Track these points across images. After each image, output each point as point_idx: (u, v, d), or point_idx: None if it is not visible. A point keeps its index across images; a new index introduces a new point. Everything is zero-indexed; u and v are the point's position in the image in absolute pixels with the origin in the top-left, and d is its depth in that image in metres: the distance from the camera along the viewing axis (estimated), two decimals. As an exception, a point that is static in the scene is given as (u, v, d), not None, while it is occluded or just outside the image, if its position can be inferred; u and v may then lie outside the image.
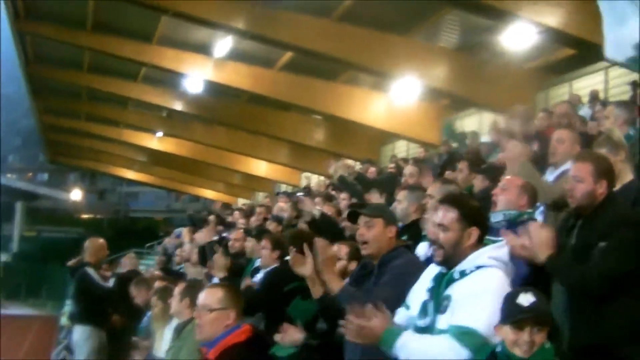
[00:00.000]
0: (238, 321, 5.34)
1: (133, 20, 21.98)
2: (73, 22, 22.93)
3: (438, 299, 4.30)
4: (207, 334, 5.29)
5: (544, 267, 4.85)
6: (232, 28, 19.37)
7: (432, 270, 4.54)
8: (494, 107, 19.36)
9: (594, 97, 15.25)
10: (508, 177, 6.08)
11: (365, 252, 5.52)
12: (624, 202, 5.48)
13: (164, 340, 7.66)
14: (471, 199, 4.66)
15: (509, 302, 3.93)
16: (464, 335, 4.00)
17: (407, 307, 4.62)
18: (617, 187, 5.93)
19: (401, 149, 26.76)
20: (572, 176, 5.15)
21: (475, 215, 4.44)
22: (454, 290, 4.23)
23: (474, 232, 4.37)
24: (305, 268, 5.57)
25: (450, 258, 4.36)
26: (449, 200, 4.56)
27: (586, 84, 17.88)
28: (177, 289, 7.45)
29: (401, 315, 4.65)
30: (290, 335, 6.03)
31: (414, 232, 6.21)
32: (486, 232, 4.50)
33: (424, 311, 4.36)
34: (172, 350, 7.09)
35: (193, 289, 6.95)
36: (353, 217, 5.70)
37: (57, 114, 37.61)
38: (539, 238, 4.92)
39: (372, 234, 5.46)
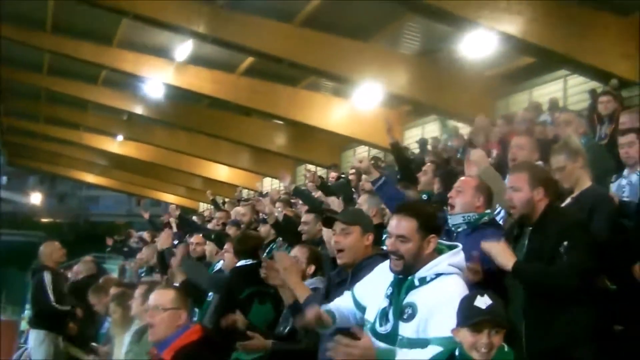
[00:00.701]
0: (188, 321, 5.32)
1: (93, 23, 21.76)
2: (32, 23, 22.67)
3: (398, 306, 4.29)
4: (160, 334, 5.30)
5: (513, 273, 4.89)
6: (193, 32, 19.23)
7: (386, 272, 4.52)
8: (455, 113, 19.49)
9: (553, 104, 15.37)
10: (462, 178, 6.11)
11: (340, 261, 5.36)
12: (567, 209, 5.60)
13: (123, 345, 7.56)
14: (427, 206, 4.67)
15: (467, 305, 3.94)
16: (451, 345, 3.99)
17: (356, 302, 4.65)
18: (576, 193, 6.02)
19: (362, 155, 26.78)
20: (509, 187, 5.24)
21: (432, 223, 4.46)
22: (417, 299, 4.25)
23: (433, 240, 4.39)
24: (276, 278, 5.56)
25: (411, 267, 4.35)
26: (406, 210, 4.53)
27: (546, 91, 18.02)
28: (138, 291, 7.41)
29: (346, 300, 4.70)
30: (256, 344, 5.99)
31: (376, 237, 6.17)
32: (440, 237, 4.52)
33: (384, 318, 4.35)
34: (132, 354, 7.01)
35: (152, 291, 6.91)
36: (329, 222, 5.60)
37: (16, 116, 37.24)
38: (498, 250, 4.97)
39: (349, 242, 5.31)
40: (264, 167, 31.85)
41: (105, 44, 22.98)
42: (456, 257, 4.40)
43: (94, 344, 9.15)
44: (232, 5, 18.43)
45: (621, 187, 6.99)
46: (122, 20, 20.65)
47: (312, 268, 6.51)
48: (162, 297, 5.36)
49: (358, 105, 22.30)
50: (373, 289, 4.59)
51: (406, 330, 4.21)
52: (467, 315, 3.87)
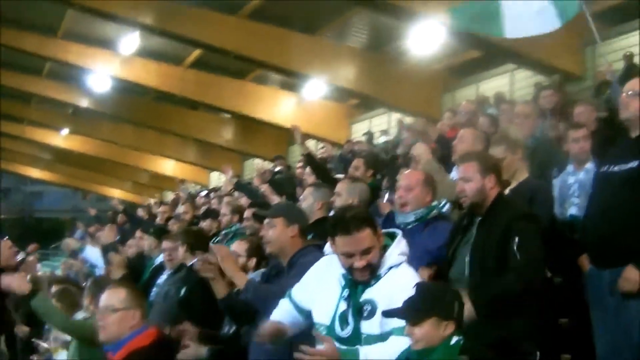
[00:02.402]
0: (143, 322, 5.18)
1: (37, 13, 21.47)
2: (-26, 14, 22.33)
3: (357, 306, 4.26)
4: (111, 335, 5.09)
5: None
6: (139, 23, 19.10)
7: (327, 272, 4.50)
8: (402, 107, 19.55)
9: (499, 98, 15.47)
10: (406, 173, 6.09)
11: (268, 250, 5.56)
12: (516, 200, 5.59)
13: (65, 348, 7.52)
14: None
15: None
16: None
17: (297, 308, 4.61)
18: (513, 184, 6.05)
19: (310, 148, 26.78)
20: (460, 178, 5.23)
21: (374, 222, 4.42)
22: (374, 294, 4.22)
23: (381, 238, 4.35)
24: (210, 270, 5.50)
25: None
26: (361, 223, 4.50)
27: (492, 85, 18.15)
28: (88, 284, 7.46)
29: (284, 310, 4.66)
30: (192, 351, 5.94)
31: (320, 230, 6.15)
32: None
33: (343, 321, 4.31)
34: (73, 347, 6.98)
35: (98, 285, 6.85)
36: (259, 218, 5.70)
37: (-43, 109, 36.66)
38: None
39: (273, 234, 5.45)
40: (210, 161, 31.73)
41: (50, 36, 22.69)
42: (400, 244, 4.39)
43: (34, 340, 9.06)
44: (178, -3, 18.33)
45: (568, 185, 7.00)
46: (67, 11, 20.40)
47: (253, 261, 6.61)
48: (112, 297, 5.17)
49: (305, 98, 22.30)
50: (316, 289, 4.55)
51: (369, 327, 4.19)
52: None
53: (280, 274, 5.48)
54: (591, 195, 5.48)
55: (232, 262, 5.57)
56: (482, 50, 17.01)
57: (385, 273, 4.27)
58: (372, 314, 4.18)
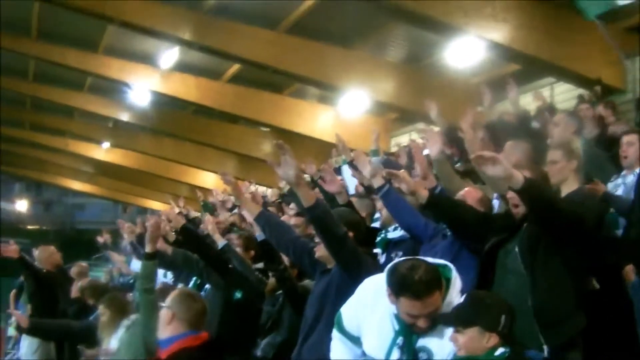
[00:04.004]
0: (184, 326, 5.28)
1: (79, 29, 21.68)
2: (18, 29, 22.57)
3: (411, 353, 4.22)
4: (160, 331, 5.31)
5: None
6: (178, 39, 19.21)
7: (385, 307, 4.41)
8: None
9: (540, 111, 15.32)
10: (467, 189, 6.04)
11: (317, 255, 5.77)
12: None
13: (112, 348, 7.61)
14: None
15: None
16: None
17: (350, 338, 4.57)
18: (563, 193, 5.96)
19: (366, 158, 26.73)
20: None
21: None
22: (431, 342, 4.18)
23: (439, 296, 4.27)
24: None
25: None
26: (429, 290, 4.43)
27: (532, 99, 17.98)
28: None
29: (343, 350, 4.61)
30: None
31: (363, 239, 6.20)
32: None
33: None
34: (119, 342, 7.24)
35: (162, 292, 7.00)
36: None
37: (1, 124, 37.01)
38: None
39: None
40: (250, 174, 31.78)
41: (91, 51, 22.89)
42: (457, 284, 4.33)
43: (81, 347, 9.16)
44: (217, 12, 18.37)
45: (616, 186, 7.01)
46: (107, 27, 20.57)
47: (251, 253, 7.23)
48: (170, 295, 5.43)
49: (343, 112, 22.28)
50: (367, 319, 4.50)
51: None
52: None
53: (327, 272, 5.71)
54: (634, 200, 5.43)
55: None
56: (521, 63, 16.88)
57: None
58: None
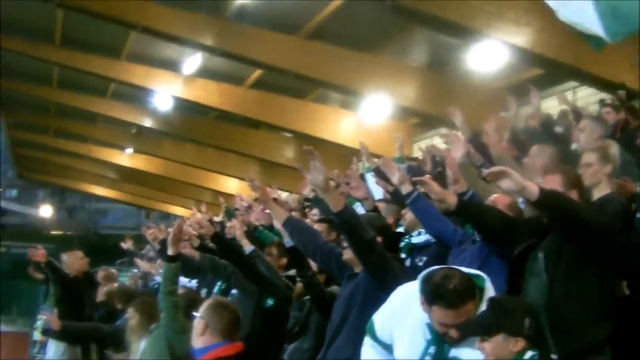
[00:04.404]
0: (217, 336, 5.30)
1: (102, 36, 21.82)
2: (41, 36, 22.76)
3: None
4: (194, 340, 5.36)
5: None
6: (201, 45, 19.28)
7: (418, 316, 4.41)
8: (463, 125, 19.34)
9: (563, 115, 15.27)
10: (496, 196, 6.01)
11: (345, 257, 5.88)
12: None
13: (139, 352, 7.65)
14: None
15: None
16: None
17: (383, 345, 4.57)
18: (596, 197, 5.94)
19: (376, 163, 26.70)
20: None
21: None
22: (462, 354, 4.20)
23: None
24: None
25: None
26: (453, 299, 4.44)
27: (554, 103, 17.90)
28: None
29: (374, 355, 4.62)
30: None
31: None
32: None
33: None
34: (146, 345, 7.35)
35: (185, 297, 7.05)
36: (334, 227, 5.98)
37: (26, 130, 37.36)
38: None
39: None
40: (272, 179, 31.82)
41: (114, 57, 23.04)
42: (488, 293, 4.34)
43: (108, 353, 9.23)
44: (239, 18, 18.42)
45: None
46: (130, 33, 20.68)
47: (284, 260, 7.44)
48: (203, 304, 5.48)
49: (366, 117, 22.27)
50: (400, 325, 4.52)
51: None
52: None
53: (354, 276, 5.79)
54: None
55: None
56: (544, 67, 16.82)
57: None
58: None
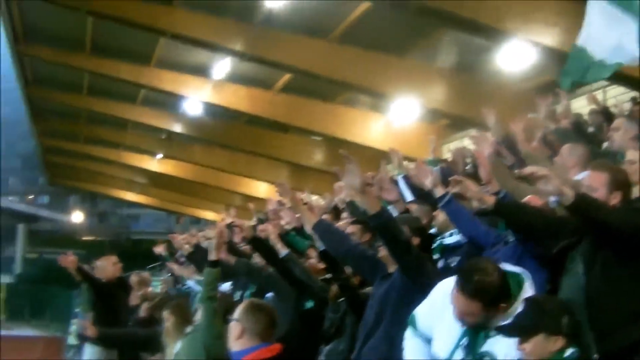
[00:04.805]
0: (254, 339, 5.31)
1: (131, 43, 22.00)
2: (72, 44, 22.97)
3: (475, 356, 4.26)
4: (230, 344, 5.36)
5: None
6: (230, 50, 19.39)
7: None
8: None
9: (594, 114, 15.19)
10: (529, 197, 6.01)
11: (380, 254, 5.89)
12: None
13: (174, 354, 7.73)
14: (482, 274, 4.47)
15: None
16: None
17: (423, 337, 4.60)
18: (635, 195, 5.88)
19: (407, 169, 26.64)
20: (586, 185, 5.08)
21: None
22: (495, 347, 4.20)
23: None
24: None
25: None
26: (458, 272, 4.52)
27: (584, 103, 17.82)
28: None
29: (416, 347, 4.64)
30: None
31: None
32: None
33: None
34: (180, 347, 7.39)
35: (221, 301, 7.12)
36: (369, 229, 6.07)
37: (56, 136, 37.68)
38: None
39: None
40: (303, 183, 31.85)
41: (144, 64, 23.21)
42: (528, 294, 4.35)
43: (144, 355, 9.31)
44: (268, 23, 18.49)
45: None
46: (159, 39, 20.82)
47: (322, 265, 7.26)
48: (239, 308, 5.47)
49: (395, 120, 22.26)
50: (438, 317, 4.56)
51: None
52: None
53: (387, 277, 5.81)
54: None
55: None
56: (574, 67, 16.74)
57: None
58: None
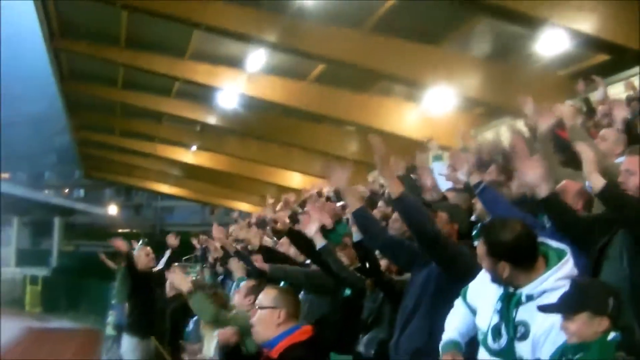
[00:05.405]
0: (292, 321, 5.34)
1: (165, 36, 22.11)
2: (107, 38, 23.15)
3: (509, 323, 4.26)
4: (259, 333, 5.36)
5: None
6: (264, 41, 19.39)
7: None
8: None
9: (631, 100, 15.07)
10: (565, 182, 5.98)
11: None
12: None
13: (212, 343, 7.78)
14: (501, 232, 4.47)
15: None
16: None
17: (471, 310, 4.62)
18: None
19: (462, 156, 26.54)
20: (624, 170, 5.07)
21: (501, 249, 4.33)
22: (528, 317, 4.19)
23: (505, 266, 4.29)
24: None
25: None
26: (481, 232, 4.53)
27: (621, 90, 17.67)
28: (245, 284, 8.01)
29: (460, 306, 4.68)
30: None
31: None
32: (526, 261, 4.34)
33: (496, 334, 4.32)
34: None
35: (258, 287, 7.13)
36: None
37: (92, 130, 37.98)
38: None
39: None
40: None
41: (178, 56, 23.30)
42: (564, 268, 4.28)
43: (182, 341, 9.39)
44: (301, 14, 18.48)
45: None
46: (193, 32, 20.90)
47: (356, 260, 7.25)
48: (263, 296, 5.43)
49: (430, 109, 22.18)
50: (482, 290, 4.59)
51: (522, 350, 4.18)
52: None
53: (426, 264, 5.82)
54: None
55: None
56: (610, 53, 16.62)
57: (539, 296, 4.21)
58: (524, 337, 4.18)
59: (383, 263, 7.12)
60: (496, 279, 4.34)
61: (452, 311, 4.89)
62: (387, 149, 5.70)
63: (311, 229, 7.74)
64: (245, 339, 6.97)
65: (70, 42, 23.74)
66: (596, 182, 4.64)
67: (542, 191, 5.11)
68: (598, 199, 4.71)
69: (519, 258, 4.27)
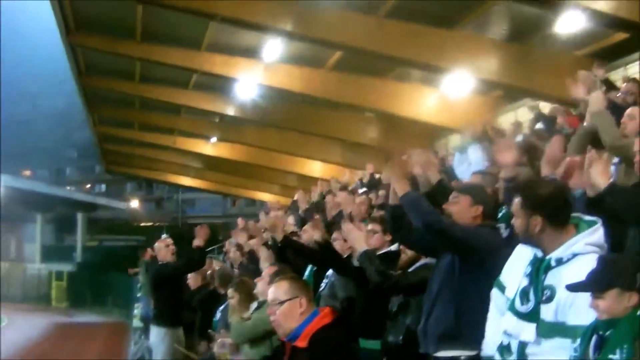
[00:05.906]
0: (312, 306, 5.37)
1: (181, 28, 22.07)
2: (122, 32, 23.15)
3: (538, 286, 4.27)
4: (285, 327, 5.31)
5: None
6: (280, 30, 19.35)
7: (524, 251, 4.51)
8: (548, 96, 19.09)
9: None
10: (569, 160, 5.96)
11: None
12: None
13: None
14: (537, 185, 4.51)
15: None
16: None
17: (502, 289, 4.61)
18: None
19: (455, 143, 26.49)
20: (627, 115, 5.06)
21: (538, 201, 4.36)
22: (555, 281, 4.20)
23: (538, 221, 4.30)
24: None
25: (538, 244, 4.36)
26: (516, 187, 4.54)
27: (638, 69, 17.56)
28: (267, 272, 8.02)
29: (497, 298, 4.65)
30: None
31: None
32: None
33: (524, 297, 4.34)
34: (251, 322, 7.74)
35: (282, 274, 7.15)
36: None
37: (111, 125, 38.09)
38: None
39: (456, 209, 5.77)
40: (356, 160, 31.81)
41: (194, 48, 23.27)
42: (594, 235, 4.31)
43: (210, 330, 9.45)
44: (316, 1, 18.45)
45: None
46: (209, 23, 20.88)
47: (388, 236, 7.23)
48: (276, 290, 5.39)
49: (448, 93, 22.10)
50: (512, 268, 4.61)
51: (545, 312, 4.21)
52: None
53: None
54: None
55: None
56: (628, 31, 16.50)
57: (569, 259, 4.22)
58: (549, 299, 4.20)
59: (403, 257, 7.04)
60: (527, 237, 4.37)
61: (492, 306, 4.85)
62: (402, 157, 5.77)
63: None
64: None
65: (86, 37, 23.76)
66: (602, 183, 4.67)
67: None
68: (595, 201, 4.71)
69: (553, 213, 4.31)
